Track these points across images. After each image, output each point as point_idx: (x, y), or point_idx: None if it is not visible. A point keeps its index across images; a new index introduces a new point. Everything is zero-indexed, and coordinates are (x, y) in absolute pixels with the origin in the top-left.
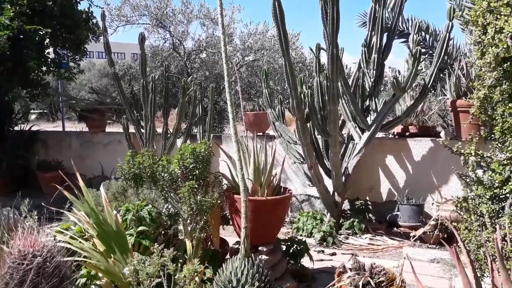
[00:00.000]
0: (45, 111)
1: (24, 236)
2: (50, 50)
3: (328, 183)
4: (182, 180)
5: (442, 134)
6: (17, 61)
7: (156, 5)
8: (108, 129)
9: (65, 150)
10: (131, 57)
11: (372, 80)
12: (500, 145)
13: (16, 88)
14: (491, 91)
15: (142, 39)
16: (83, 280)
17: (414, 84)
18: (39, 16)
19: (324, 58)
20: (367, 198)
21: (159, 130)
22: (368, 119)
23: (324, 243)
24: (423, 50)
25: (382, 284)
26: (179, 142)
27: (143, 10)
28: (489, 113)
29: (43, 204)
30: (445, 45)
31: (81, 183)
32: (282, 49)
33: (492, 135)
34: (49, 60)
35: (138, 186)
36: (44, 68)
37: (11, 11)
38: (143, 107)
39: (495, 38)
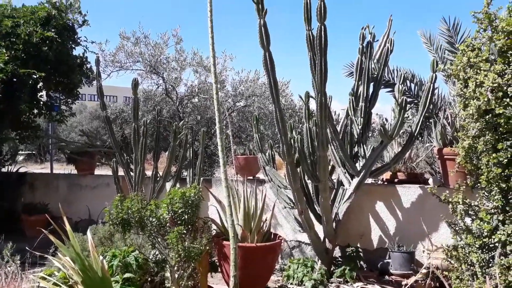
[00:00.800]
0: (33, 152)
1: (6, 284)
2: (43, 93)
3: (319, 229)
4: (170, 225)
5: (430, 181)
6: (8, 103)
7: (150, 53)
8: (97, 171)
9: (52, 193)
10: (123, 101)
11: (360, 127)
12: (486, 194)
13: (6, 129)
14: (475, 141)
15: (135, 84)
16: None
17: (401, 131)
18: (33, 60)
19: (313, 105)
20: (358, 245)
21: (149, 173)
22: (357, 165)
23: None
24: (409, 99)
25: None
26: (168, 185)
27: (137, 57)
28: (474, 162)
29: (27, 248)
30: (429, 95)
31: (67, 227)
32: (273, 97)
33: (479, 184)
34: (41, 103)
35: (126, 231)
36: (35, 111)
37: (6, 55)
38: (133, 150)
39: (476, 92)
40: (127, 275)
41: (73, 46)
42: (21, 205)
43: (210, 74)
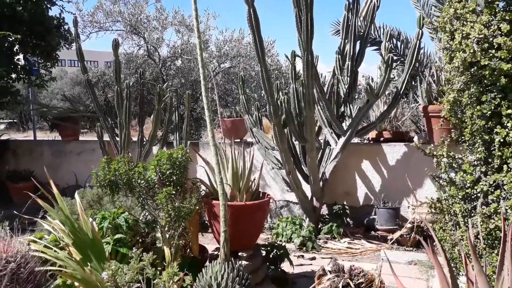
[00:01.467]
0: (15, 120)
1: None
2: (20, 57)
3: (306, 188)
4: (159, 187)
5: (415, 139)
6: None
7: (130, 11)
8: (82, 137)
9: (37, 160)
10: (104, 65)
11: (346, 86)
12: (470, 147)
13: None
14: (460, 94)
15: (116, 45)
16: None
17: (387, 92)
18: (8, 22)
19: (299, 65)
20: (345, 203)
21: (135, 138)
22: (343, 124)
23: (304, 248)
24: (395, 58)
25: (362, 286)
26: (155, 149)
27: (117, 16)
28: (459, 116)
29: (15, 212)
30: (416, 52)
31: (55, 190)
32: (258, 56)
33: (463, 137)
34: (19, 67)
35: (114, 193)
36: (13, 75)
37: None
38: (117, 115)
39: (462, 44)
40: (117, 236)
41: (49, 6)
42: (6, 172)
43: (192, 34)
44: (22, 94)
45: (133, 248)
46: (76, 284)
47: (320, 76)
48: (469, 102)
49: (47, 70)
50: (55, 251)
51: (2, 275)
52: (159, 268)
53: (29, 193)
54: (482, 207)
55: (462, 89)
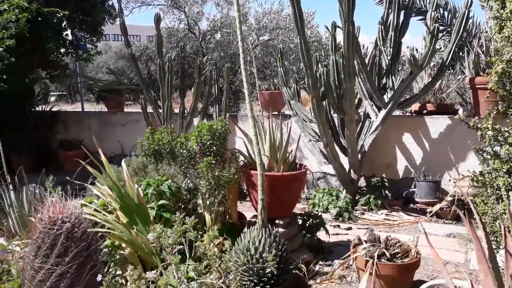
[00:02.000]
0: (64, 93)
1: (53, 204)
2: (68, 32)
3: (344, 160)
4: (200, 156)
5: (460, 111)
6: (36, 43)
7: None
8: (126, 109)
9: (85, 130)
10: (147, 40)
11: (389, 58)
12: None
13: (36, 69)
14: (509, 65)
15: (157, 19)
16: (109, 249)
17: (432, 63)
18: None
19: (340, 36)
20: (384, 175)
21: (176, 110)
22: (384, 97)
23: (340, 218)
24: (441, 28)
25: (397, 255)
26: (196, 121)
27: None
28: (507, 87)
29: (67, 178)
30: (464, 21)
31: (103, 158)
32: (297, 27)
33: (510, 110)
34: (67, 42)
35: (158, 162)
36: (62, 50)
37: None
38: (160, 87)
39: None
40: (161, 202)
41: None
42: (57, 141)
43: (232, 7)
44: (70, 68)
45: (176, 213)
46: (123, 245)
47: (361, 48)
48: None
49: (93, 44)
50: (104, 214)
51: (59, 233)
52: (200, 232)
53: (79, 160)
54: None
55: (511, 60)
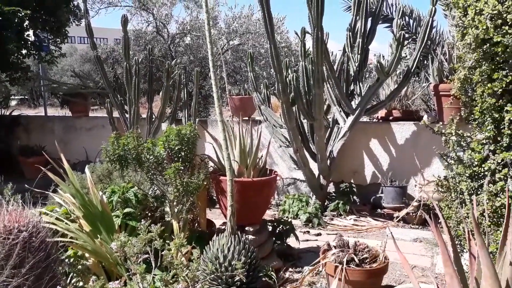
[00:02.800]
0: (26, 97)
1: (9, 212)
2: (30, 32)
3: (314, 166)
4: (167, 162)
5: (425, 117)
6: None
7: None
8: (92, 114)
9: (48, 135)
10: (114, 42)
11: (356, 64)
12: (479, 125)
13: None
14: (471, 72)
15: (124, 21)
16: (71, 260)
17: (398, 71)
18: None
19: (309, 42)
20: (352, 181)
21: (144, 115)
22: (352, 103)
23: (310, 224)
24: (407, 35)
25: (366, 261)
26: (164, 126)
27: None
28: (469, 94)
29: (26, 186)
30: (428, 29)
31: (66, 165)
32: (267, 32)
33: (472, 116)
34: (29, 42)
35: (123, 168)
36: (24, 51)
37: None
38: (126, 91)
39: (475, 20)
40: (127, 210)
41: None
42: (18, 147)
43: (201, 10)
44: (32, 70)
45: (142, 221)
46: (87, 255)
47: (330, 54)
48: (480, 79)
49: (57, 46)
50: (66, 223)
51: (15, 243)
52: (168, 241)
53: (40, 167)
54: (489, 185)
55: (473, 66)
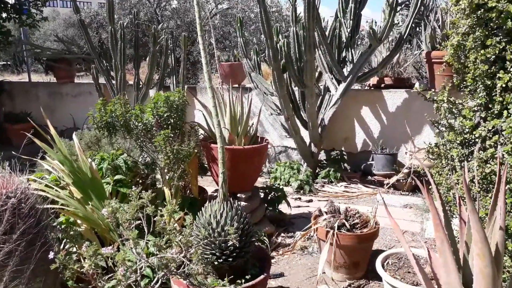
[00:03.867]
0: (8, 63)
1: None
2: None
3: (305, 134)
4: (157, 129)
5: (417, 84)
6: None
7: None
8: (78, 81)
9: (33, 102)
10: (98, 6)
11: (348, 30)
12: (471, 93)
13: None
14: (464, 38)
15: None
16: (63, 226)
17: (390, 38)
18: None
19: (300, 7)
20: (343, 149)
21: (131, 82)
22: (344, 70)
23: (301, 191)
24: (400, 1)
25: (357, 226)
26: (152, 93)
27: None
28: (462, 60)
29: (13, 153)
30: None
31: (52, 131)
32: None
33: (464, 83)
34: (9, 6)
35: (112, 135)
36: (4, 15)
37: None
38: (112, 57)
39: None
40: (117, 177)
41: None
42: (2, 114)
43: None
44: (14, 35)
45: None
46: (79, 221)
47: (322, 20)
48: (473, 46)
49: (38, 9)
50: (56, 190)
51: (3, 209)
52: (160, 208)
53: (27, 134)
54: (479, 152)
55: (467, 32)
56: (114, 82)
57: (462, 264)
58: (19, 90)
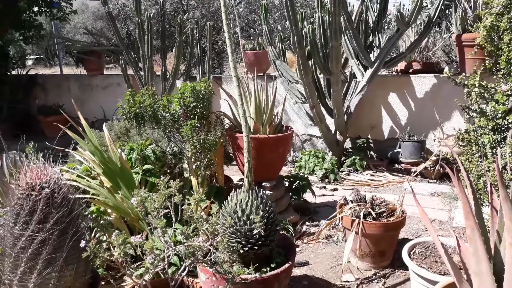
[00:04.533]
0: (41, 56)
1: (30, 170)
2: None
3: (330, 122)
4: (184, 119)
5: (446, 69)
6: (6, 2)
7: None
8: (107, 72)
9: (65, 94)
10: None
11: (375, 14)
12: (504, 76)
13: (9, 30)
14: (498, 19)
15: None
16: (93, 215)
17: (418, 21)
18: None
19: None
20: (369, 136)
21: (158, 73)
22: (371, 55)
23: (326, 179)
24: None
25: (383, 215)
26: (179, 83)
27: None
28: (495, 43)
29: (47, 144)
30: None
31: (83, 123)
32: None
33: (497, 66)
34: (40, 0)
35: (140, 125)
36: (35, 9)
37: None
38: (140, 48)
39: None
40: (146, 166)
41: None
42: (36, 106)
43: None
44: (45, 29)
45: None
46: (109, 210)
47: (348, 4)
48: (507, 27)
49: (68, 2)
50: (87, 180)
51: (38, 199)
52: (187, 197)
53: (60, 126)
54: None
55: (501, 12)
56: (142, 73)
57: (493, 254)
58: (52, 83)
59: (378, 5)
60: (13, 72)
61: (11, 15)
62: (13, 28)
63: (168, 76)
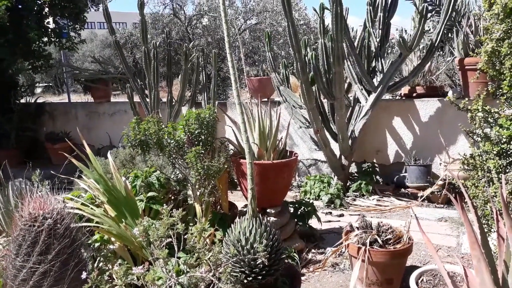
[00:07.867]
0: (50, 84)
1: (33, 200)
2: (50, 20)
3: (335, 146)
4: (188, 146)
5: (450, 93)
6: (17, 32)
7: None
8: (114, 99)
9: (72, 122)
10: (132, 26)
11: (378, 40)
12: (508, 100)
13: (19, 60)
14: (499, 44)
15: (141, 4)
16: (97, 244)
17: (421, 45)
18: None
19: (328, 19)
20: (374, 161)
21: (164, 99)
22: (374, 80)
23: (332, 205)
24: (430, 8)
25: (390, 242)
26: (184, 109)
27: None
28: (497, 67)
29: (52, 172)
30: (453, 0)
31: (88, 151)
32: (284, 9)
33: (500, 90)
34: (49, 30)
35: (145, 152)
36: (45, 39)
37: None
38: (146, 76)
39: None
40: (150, 194)
41: None
42: (44, 134)
43: None
44: (54, 58)
45: (165, 205)
46: (113, 239)
47: (350, 30)
48: (508, 52)
49: (76, 32)
50: (91, 208)
51: (40, 230)
52: (191, 224)
53: (65, 154)
54: None
55: (501, 38)
56: (148, 100)
57: (501, 284)
58: (59, 110)
59: (380, 31)
60: (22, 100)
61: (21, 45)
62: (22, 57)
63: (173, 103)
